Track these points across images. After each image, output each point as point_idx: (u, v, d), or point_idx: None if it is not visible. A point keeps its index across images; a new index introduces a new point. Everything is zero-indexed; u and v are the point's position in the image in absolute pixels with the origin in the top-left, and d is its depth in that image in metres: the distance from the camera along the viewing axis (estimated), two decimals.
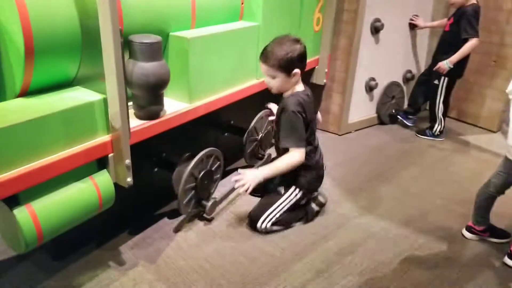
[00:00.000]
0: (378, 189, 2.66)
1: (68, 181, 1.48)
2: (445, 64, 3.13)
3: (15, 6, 1.30)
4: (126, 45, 1.66)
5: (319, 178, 2.28)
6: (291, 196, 2.20)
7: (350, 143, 3.32)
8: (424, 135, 3.45)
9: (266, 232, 2.15)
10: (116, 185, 1.67)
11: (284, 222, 2.20)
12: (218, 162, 2.25)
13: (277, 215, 2.16)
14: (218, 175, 2.30)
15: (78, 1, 1.48)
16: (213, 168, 2.21)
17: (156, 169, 2.22)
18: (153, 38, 1.66)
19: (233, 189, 2.50)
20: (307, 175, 2.19)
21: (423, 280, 1.90)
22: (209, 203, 2.16)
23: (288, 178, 2.19)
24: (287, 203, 2.19)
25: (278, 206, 2.17)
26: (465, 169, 2.95)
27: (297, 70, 2.01)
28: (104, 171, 1.61)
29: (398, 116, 3.66)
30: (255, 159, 2.72)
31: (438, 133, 3.41)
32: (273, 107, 2.47)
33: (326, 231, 2.22)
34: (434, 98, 3.36)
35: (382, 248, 2.11)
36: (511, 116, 1.90)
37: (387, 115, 3.71)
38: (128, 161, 1.59)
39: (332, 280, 1.88)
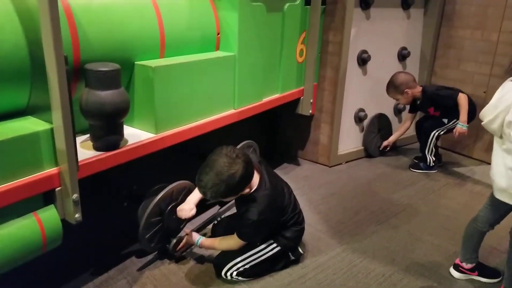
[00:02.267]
0: (364, 224, 2.50)
1: (7, 217, 1.37)
2: (463, 127, 2.99)
3: None
4: (83, 73, 1.60)
5: (300, 235, 2.08)
6: (266, 249, 1.98)
7: (339, 175, 3.19)
8: (419, 169, 3.31)
9: (231, 282, 1.95)
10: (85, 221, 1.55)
11: (253, 273, 1.98)
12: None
13: (246, 266, 1.94)
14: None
15: (27, 29, 1.43)
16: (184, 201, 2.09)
17: (125, 203, 2.12)
18: (110, 66, 1.59)
19: (206, 223, 2.37)
20: (287, 233, 2.00)
21: None
22: (174, 240, 2.02)
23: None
24: (261, 256, 1.97)
25: (250, 257, 1.95)
26: (457, 203, 2.79)
27: (246, 190, 1.80)
28: (51, 207, 1.50)
29: (420, 165, 3.31)
30: None
31: (433, 165, 3.28)
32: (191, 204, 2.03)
33: (305, 271, 2.07)
34: (431, 132, 3.20)
35: None
36: (493, 153, 1.78)
37: (374, 149, 3.55)
38: (76, 196, 1.48)
39: None
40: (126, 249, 2.17)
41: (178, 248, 2.04)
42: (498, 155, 1.73)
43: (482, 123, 1.75)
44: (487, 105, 1.71)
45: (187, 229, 2.08)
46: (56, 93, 1.34)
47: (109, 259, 2.08)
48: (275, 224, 1.95)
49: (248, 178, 1.78)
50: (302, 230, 2.08)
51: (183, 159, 2.27)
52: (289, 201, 2.00)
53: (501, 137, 1.69)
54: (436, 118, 3.21)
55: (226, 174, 1.68)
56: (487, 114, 1.71)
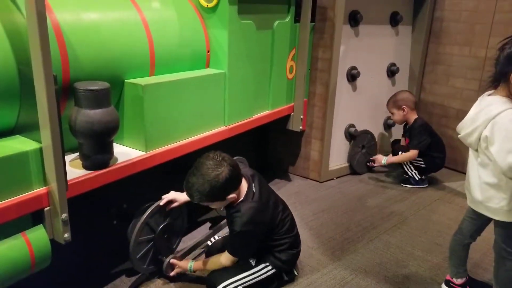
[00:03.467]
0: (356, 240, 2.50)
1: None
2: (382, 160, 3.36)
3: None
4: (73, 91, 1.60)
5: (295, 258, 2.07)
6: (261, 271, 1.95)
7: (330, 191, 3.19)
8: (409, 184, 3.33)
9: None
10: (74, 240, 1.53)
11: None
12: (181, 213, 2.12)
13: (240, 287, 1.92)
14: (182, 227, 2.16)
15: (16, 49, 1.43)
16: (175, 220, 2.07)
17: (115, 222, 2.10)
18: (99, 85, 1.59)
19: (199, 243, 2.35)
20: (282, 256, 1.98)
21: None
22: (167, 260, 2.00)
23: (261, 253, 1.97)
24: (255, 278, 1.94)
25: (244, 278, 1.92)
26: (448, 218, 2.81)
27: (232, 195, 1.80)
28: (40, 227, 1.48)
29: (410, 180, 3.34)
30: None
31: (419, 178, 3.30)
32: (176, 195, 2.02)
33: None
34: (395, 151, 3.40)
35: None
36: (469, 165, 1.80)
37: (360, 165, 3.53)
38: (65, 215, 1.47)
39: None
40: (116, 268, 2.14)
41: (171, 274, 2.02)
42: (473, 168, 1.77)
43: (459, 136, 1.78)
44: (465, 119, 1.74)
45: (176, 259, 2.05)
46: (45, 112, 1.34)
47: (99, 279, 2.04)
48: (265, 240, 1.93)
49: (233, 182, 1.78)
50: (298, 253, 2.06)
51: (174, 176, 2.26)
52: (283, 222, 1.98)
53: (476, 150, 1.72)
54: (406, 147, 3.35)
55: (211, 175, 1.71)
56: (464, 128, 1.74)
